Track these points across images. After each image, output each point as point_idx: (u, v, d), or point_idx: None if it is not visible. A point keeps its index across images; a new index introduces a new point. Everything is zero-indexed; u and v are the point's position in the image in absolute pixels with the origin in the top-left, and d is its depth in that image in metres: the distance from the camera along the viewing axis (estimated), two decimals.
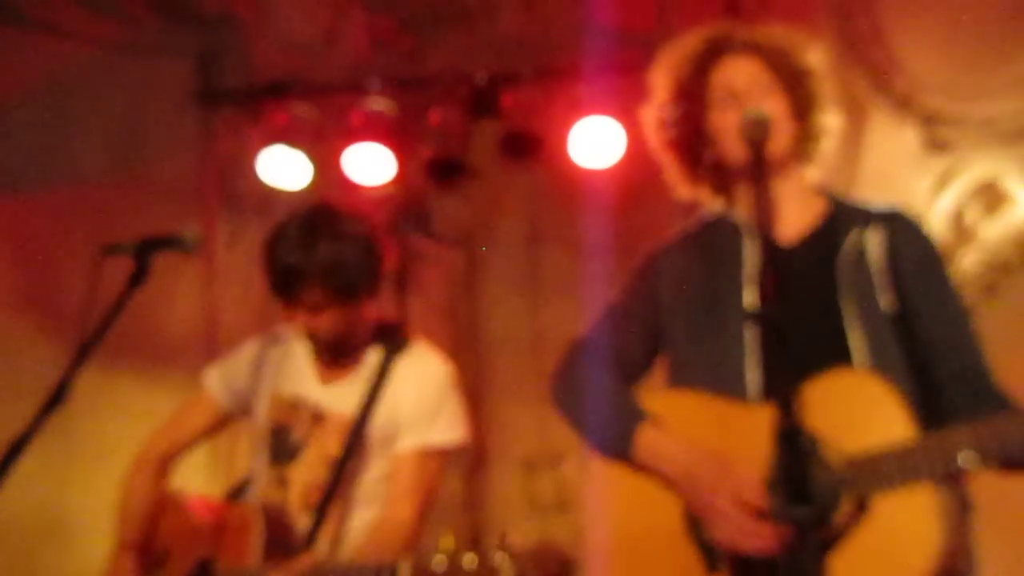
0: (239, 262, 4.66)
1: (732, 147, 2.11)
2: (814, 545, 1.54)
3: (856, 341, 1.97)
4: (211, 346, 4.60)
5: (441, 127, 4.60)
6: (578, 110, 4.38)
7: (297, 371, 2.72)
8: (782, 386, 1.62)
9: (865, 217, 2.12)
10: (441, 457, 2.65)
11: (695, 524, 1.95)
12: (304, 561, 2.42)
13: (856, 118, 4.22)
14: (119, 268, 2.22)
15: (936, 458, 1.75)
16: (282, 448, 2.66)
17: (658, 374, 2.26)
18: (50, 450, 2.57)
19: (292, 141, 4.52)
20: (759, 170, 1.89)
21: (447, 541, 1.84)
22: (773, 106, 2.09)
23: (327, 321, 2.56)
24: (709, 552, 1.92)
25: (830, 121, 2.23)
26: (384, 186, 4.71)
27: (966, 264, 4.28)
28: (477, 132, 4.74)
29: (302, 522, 2.57)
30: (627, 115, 4.17)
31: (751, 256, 2.12)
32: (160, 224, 2.44)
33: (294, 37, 4.99)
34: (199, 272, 4.77)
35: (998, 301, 4.24)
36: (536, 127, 4.48)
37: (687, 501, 1.96)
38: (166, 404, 3.19)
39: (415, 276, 5.03)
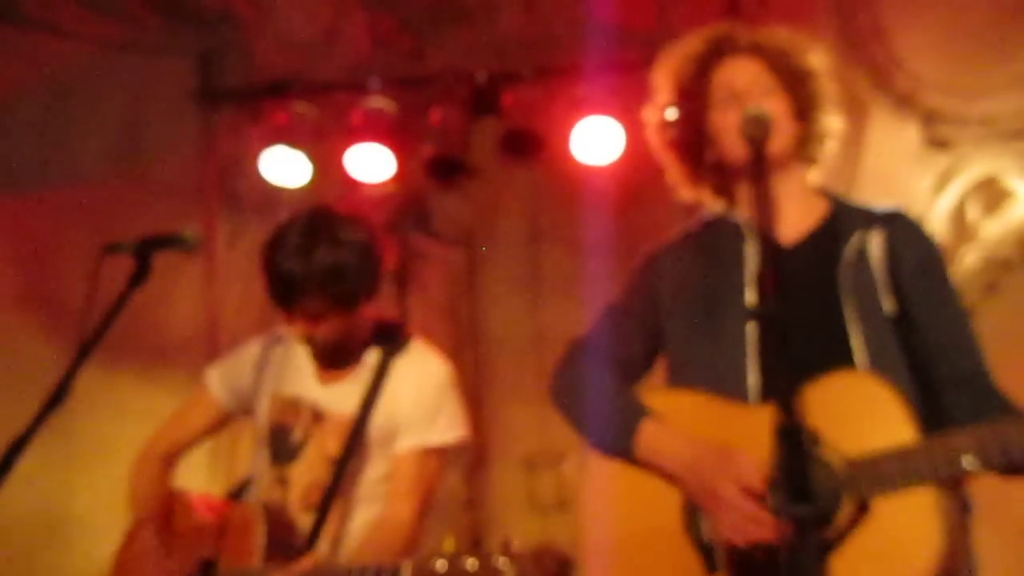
0: (239, 261, 4.66)
1: (733, 146, 2.11)
2: (815, 545, 1.54)
3: (856, 342, 1.97)
4: (211, 345, 4.61)
5: (441, 126, 4.60)
6: (578, 109, 4.38)
7: (297, 371, 2.72)
8: (782, 383, 1.61)
9: (867, 218, 2.12)
10: (440, 456, 2.64)
11: (694, 524, 1.95)
12: (306, 562, 2.42)
13: (857, 116, 4.22)
14: (119, 267, 2.22)
15: (938, 461, 1.75)
16: (282, 448, 2.66)
17: (658, 374, 2.25)
18: (50, 450, 2.58)
19: (292, 140, 4.52)
20: (759, 168, 1.89)
21: (449, 544, 1.84)
22: (774, 106, 2.09)
23: (327, 328, 2.56)
24: (708, 553, 1.92)
25: (831, 122, 2.23)
26: (384, 185, 4.71)
27: (967, 262, 4.28)
28: (477, 131, 4.75)
29: (303, 522, 2.57)
30: (627, 114, 4.18)
31: (752, 256, 2.12)
32: (160, 223, 2.44)
33: (294, 36, 4.99)
34: (200, 271, 4.77)
35: (999, 299, 4.24)
36: (536, 126, 4.48)
37: (690, 494, 1.95)
38: (166, 404, 3.19)
39: (415, 275, 5.03)
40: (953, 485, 1.83)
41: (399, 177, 4.69)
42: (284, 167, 4.56)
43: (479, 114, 4.64)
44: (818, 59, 2.23)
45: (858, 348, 1.97)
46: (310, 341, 2.61)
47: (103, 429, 4.24)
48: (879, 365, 1.94)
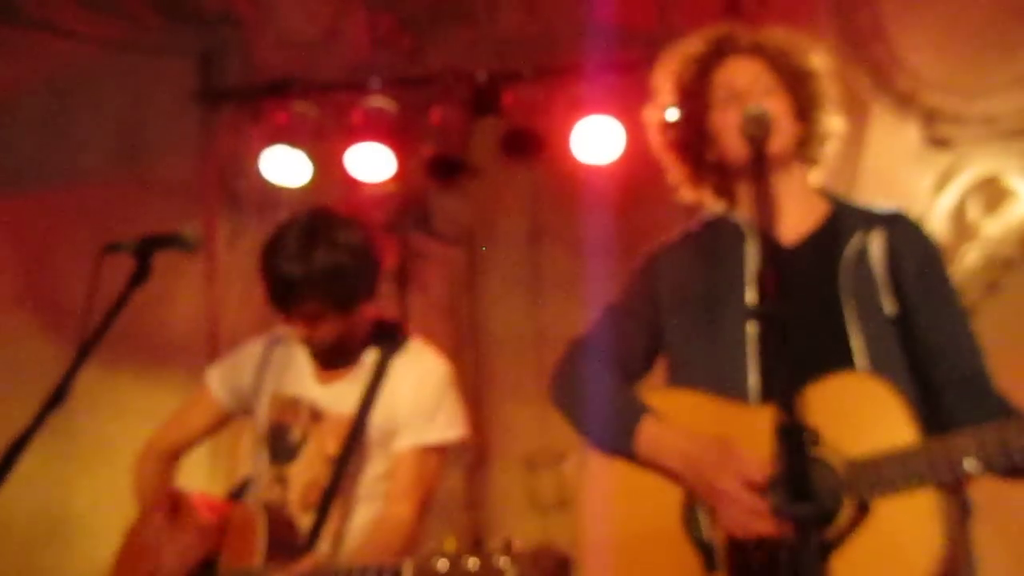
0: (240, 261, 4.66)
1: (733, 145, 2.11)
2: (815, 544, 1.54)
3: (857, 343, 1.97)
4: (212, 345, 4.61)
5: (442, 125, 4.60)
6: (579, 109, 4.38)
7: (296, 371, 2.72)
8: (783, 382, 1.61)
9: (867, 219, 2.12)
10: (440, 455, 2.64)
11: (693, 524, 1.94)
12: (307, 562, 2.41)
13: (857, 116, 4.22)
14: (120, 267, 2.22)
15: (939, 463, 1.75)
16: (281, 447, 2.66)
17: (658, 374, 2.25)
18: (51, 449, 2.58)
19: (293, 140, 4.52)
20: (760, 168, 1.89)
21: (450, 544, 1.83)
22: (775, 106, 2.09)
23: (325, 329, 2.56)
24: (707, 552, 1.91)
25: (832, 123, 2.23)
26: (384, 185, 4.71)
27: (968, 261, 4.28)
28: (478, 130, 4.74)
29: (302, 521, 2.57)
30: (628, 114, 4.18)
31: (752, 256, 2.11)
32: (161, 222, 2.44)
33: (295, 36, 4.99)
34: (200, 271, 4.78)
35: (1000, 298, 4.24)
36: (537, 126, 4.48)
37: (692, 489, 1.95)
38: (167, 403, 3.19)
39: (416, 275, 5.03)
40: (954, 487, 1.82)
41: (399, 177, 4.69)
42: (284, 167, 4.56)
43: (479, 114, 4.64)
44: (819, 59, 2.23)
45: (858, 349, 1.97)
46: (309, 342, 2.61)
47: (103, 429, 4.24)
48: (879, 366, 1.94)
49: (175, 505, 2.64)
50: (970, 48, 4.29)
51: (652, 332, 2.22)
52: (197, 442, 2.86)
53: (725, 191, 2.27)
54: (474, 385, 4.85)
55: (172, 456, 2.81)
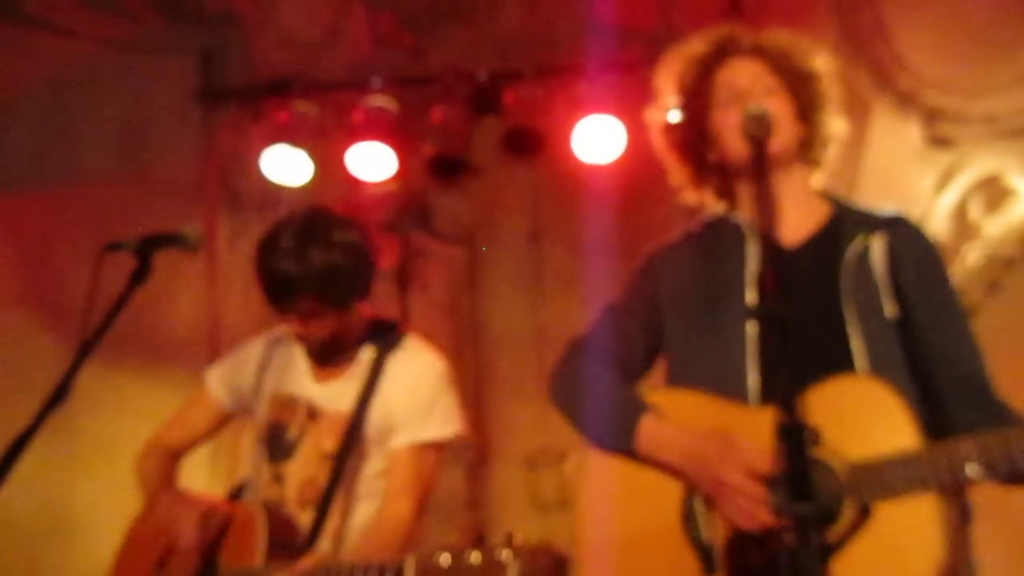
0: (241, 260, 4.66)
1: (734, 145, 2.11)
2: (815, 545, 1.54)
3: (857, 345, 1.97)
4: (213, 344, 4.61)
5: (443, 125, 4.61)
6: (580, 108, 4.38)
7: (294, 370, 2.73)
8: (783, 381, 1.61)
9: (868, 222, 2.12)
10: (437, 451, 2.65)
11: (692, 525, 1.94)
12: (308, 561, 2.42)
13: (859, 115, 4.22)
14: (121, 266, 2.22)
15: (942, 468, 1.74)
16: (278, 446, 2.67)
17: (657, 374, 2.25)
18: (52, 448, 2.57)
19: (294, 139, 4.53)
20: (760, 166, 1.89)
21: (453, 540, 1.83)
22: (776, 106, 2.09)
23: (319, 327, 2.57)
24: (706, 553, 1.91)
25: (834, 125, 2.23)
26: (385, 184, 4.72)
27: (969, 260, 4.28)
28: (479, 130, 4.75)
29: (301, 519, 2.57)
30: (629, 113, 4.18)
31: (753, 256, 2.11)
32: (162, 221, 2.44)
33: (296, 35, 5.00)
34: (201, 270, 4.78)
35: (1001, 297, 4.24)
36: (537, 125, 4.48)
37: (694, 484, 1.95)
38: (168, 402, 3.20)
39: (416, 274, 5.03)
40: (955, 492, 1.82)
41: (400, 176, 4.69)
42: (285, 166, 4.57)
43: (480, 113, 4.64)
44: (821, 61, 2.23)
45: (858, 351, 1.96)
46: (304, 339, 2.62)
47: (104, 427, 4.25)
48: (879, 368, 1.94)
49: (179, 496, 2.65)
50: (971, 47, 4.29)
51: (652, 332, 2.22)
52: (198, 443, 2.87)
53: (726, 192, 2.27)
54: (475, 384, 4.86)
55: (173, 456, 2.82)
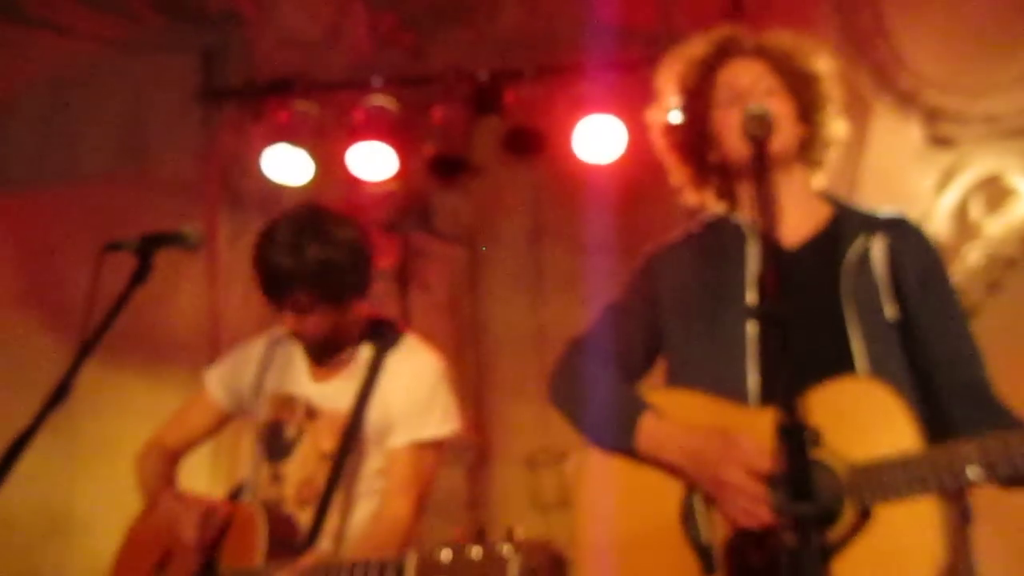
0: (242, 259, 4.63)
1: (734, 145, 2.11)
2: (816, 545, 1.53)
3: (857, 347, 1.97)
4: (214, 343, 4.61)
5: (443, 124, 4.61)
6: (580, 108, 4.38)
7: (292, 369, 2.74)
8: (783, 381, 1.61)
9: (869, 223, 2.12)
10: (436, 450, 2.65)
11: (691, 525, 1.94)
12: (308, 559, 2.42)
13: (860, 114, 4.22)
14: (121, 265, 2.22)
15: (943, 471, 1.74)
16: (276, 445, 2.68)
17: (657, 375, 2.25)
18: (53, 447, 2.57)
19: (294, 139, 4.53)
20: (761, 166, 1.89)
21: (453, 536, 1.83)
22: (777, 106, 2.08)
23: (314, 323, 2.58)
24: (705, 554, 1.91)
25: (835, 126, 2.22)
26: (386, 183, 4.72)
27: (970, 260, 4.28)
28: (479, 129, 4.75)
29: (299, 518, 2.57)
30: (629, 113, 4.18)
31: (753, 257, 2.11)
32: (163, 221, 2.45)
33: (297, 35, 5.00)
34: (202, 269, 4.78)
35: (1002, 297, 4.24)
36: (538, 125, 4.48)
37: (695, 483, 1.95)
38: (169, 401, 3.20)
39: (417, 273, 5.03)
40: (955, 494, 1.82)
41: (401, 175, 4.69)
42: (286, 165, 4.57)
43: (481, 112, 4.64)
44: (823, 63, 2.23)
45: (859, 352, 1.96)
46: (300, 336, 2.62)
47: (105, 426, 4.25)
48: (879, 369, 1.94)
49: (179, 497, 2.65)
50: (972, 47, 4.29)
51: (652, 332, 2.22)
52: (197, 444, 2.87)
53: (727, 193, 2.27)
54: (475, 384, 4.86)
55: (172, 457, 2.81)
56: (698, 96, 2.22)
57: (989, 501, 1.91)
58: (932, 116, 4.40)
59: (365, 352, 2.68)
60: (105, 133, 4.71)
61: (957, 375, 1.99)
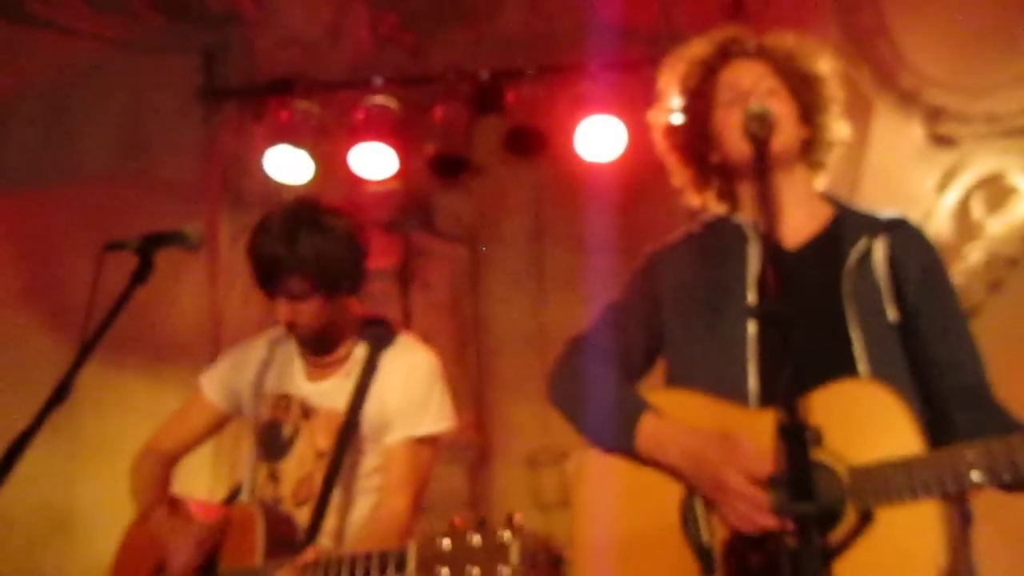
0: (242, 259, 4.61)
1: (736, 145, 2.10)
2: (816, 547, 1.53)
3: (858, 348, 1.96)
4: (215, 342, 4.61)
5: (444, 124, 4.61)
6: (582, 107, 4.38)
7: (288, 369, 2.75)
8: (784, 382, 1.61)
9: (871, 225, 2.12)
10: (432, 446, 2.66)
11: (691, 526, 1.94)
12: (308, 556, 2.42)
13: (861, 114, 4.22)
14: (122, 264, 2.22)
15: (946, 475, 1.73)
16: (273, 444, 2.68)
17: (657, 375, 2.25)
18: (54, 446, 2.58)
19: (295, 138, 4.53)
20: (762, 165, 1.88)
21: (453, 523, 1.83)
22: (778, 106, 2.08)
23: (308, 311, 2.58)
24: (705, 555, 1.91)
25: (837, 127, 2.22)
26: (387, 183, 4.72)
27: (972, 260, 4.28)
28: (480, 129, 4.75)
29: (297, 517, 2.58)
30: (631, 112, 4.18)
31: (754, 257, 2.11)
32: (164, 220, 2.45)
33: (298, 35, 5.00)
34: (203, 268, 4.78)
35: (1003, 296, 4.24)
36: (539, 124, 4.48)
37: (695, 485, 1.94)
38: (170, 400, 3.20)
39: (418, 273, 5.03)
40: (957, 497, 1.82)
41: (402, 175, 4.70)
42: (287, 165, 4.57)
43: (482, 112, 4.64)
44: (825, 64, 2.23)
45: (860, 354, 1.96)
46: (293, 328, 2.62)
47: (107, 425, 4.25)
48: (880, 371, 1.94)
49: (174, 507, 2.65)
50: (974, 46, 4.29)
51: (652, 332, 2.22)
52: (195, 445, 2.86)
53: (728, 194, 2.27)
54: (476, 383, 4.86)
55: (170, 460, 2.81)
56: (699, 97, 2.22)
57: (990, 503, 1.91)
58: (933, 115, 4.39)
59: (360, 351, 2.69)
60: (105, 133, 4.72)
61: (957, 378, 1.99)
